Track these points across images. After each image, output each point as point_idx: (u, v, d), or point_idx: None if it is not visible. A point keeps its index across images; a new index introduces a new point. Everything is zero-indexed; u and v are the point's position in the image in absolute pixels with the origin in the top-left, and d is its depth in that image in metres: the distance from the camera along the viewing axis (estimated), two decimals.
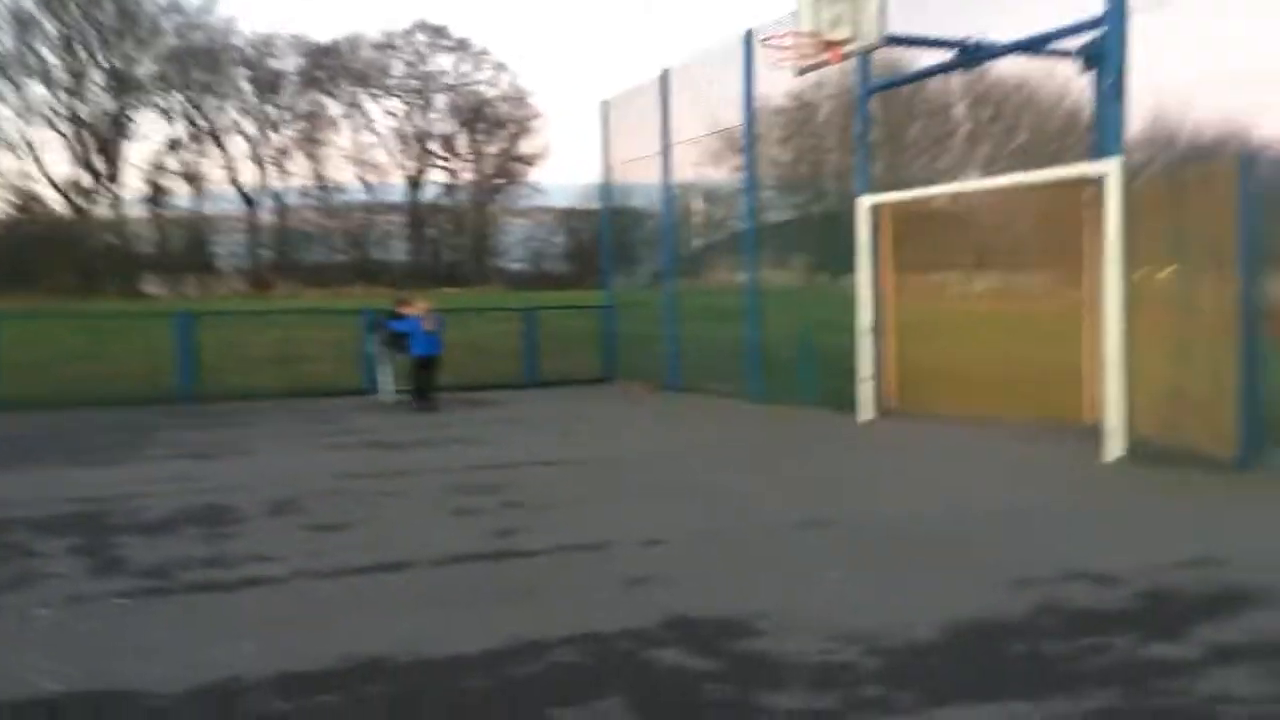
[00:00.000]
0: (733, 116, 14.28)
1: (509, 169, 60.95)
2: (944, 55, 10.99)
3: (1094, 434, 9.31)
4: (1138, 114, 9.43)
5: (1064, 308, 11.04)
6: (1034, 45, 10.49)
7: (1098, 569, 5.52)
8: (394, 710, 3.86)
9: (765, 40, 11.53)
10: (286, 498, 7.83)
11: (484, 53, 56.82)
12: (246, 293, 45.36)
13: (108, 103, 52.96)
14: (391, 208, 57.47)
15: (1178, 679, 4.01)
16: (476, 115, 58.81)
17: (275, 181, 58.41)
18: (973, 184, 13.20)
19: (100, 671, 4.25)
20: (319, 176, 57.66)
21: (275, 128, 57.52)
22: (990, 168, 26.72)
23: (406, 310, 14.28)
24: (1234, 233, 8.03)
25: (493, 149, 60.40)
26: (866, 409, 11.85)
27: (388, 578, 5.67)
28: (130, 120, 54.52)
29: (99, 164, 53.66)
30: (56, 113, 50.00)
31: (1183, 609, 4.88)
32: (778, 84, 13.25)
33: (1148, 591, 5.14)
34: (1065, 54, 10.36)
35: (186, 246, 51.58)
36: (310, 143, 57.51)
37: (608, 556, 6.06)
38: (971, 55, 10.71)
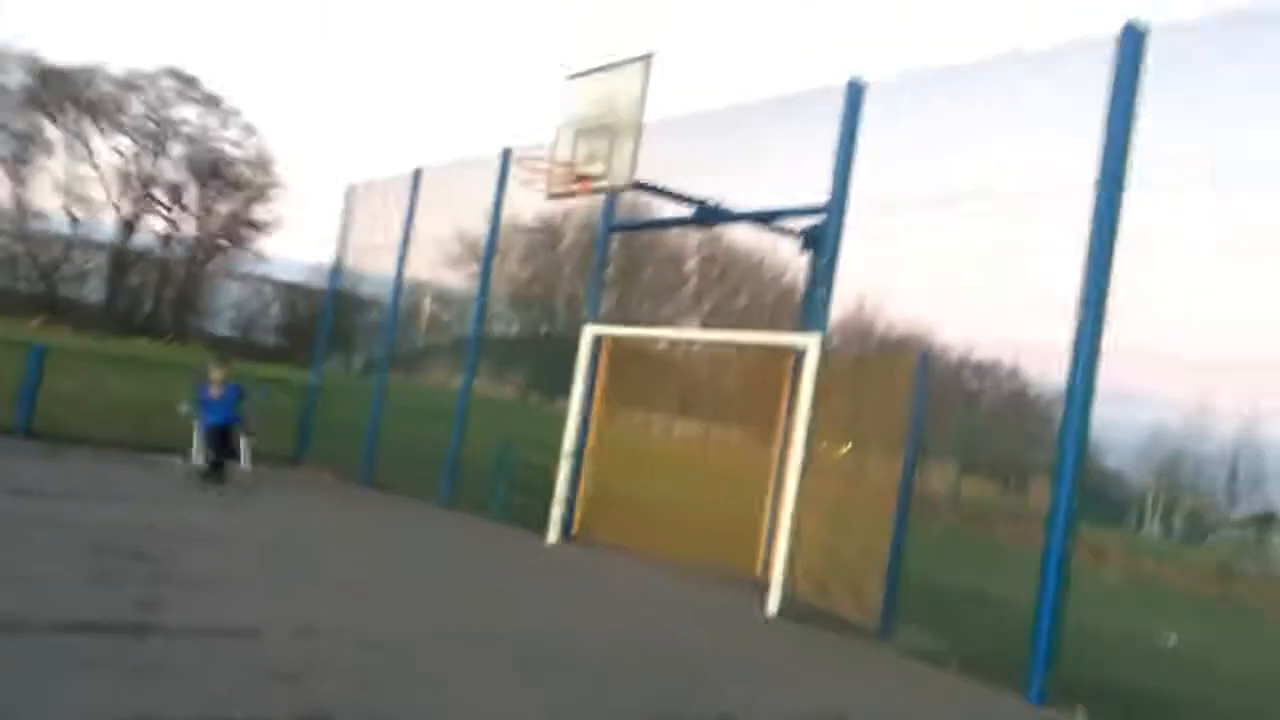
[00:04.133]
0: (478, 225, 14.46)
1: (237, 232, 58.33)
2: (684, 210, 11.69)
3: (760, 588, 9.83)
4: (841, 300, 10.36)
5: (753, 464, 11.68)
6: (764, 218, 11.35)
7: (728, 711, 5.77)
8: None
9: (521, 160, 11.86)
10: None
11: (235, 112, 54.61)
12: None
13: None
14: (96, 246, 53.23)
15: None
16: (213, 171, 56.18)
17: None
18: (690, 333, 13.97)
19: None
20: (19, 199, 52.73)
21: None
22: (709, 321, 28.42)
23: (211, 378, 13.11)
24: (904, 418, 8.91)
25: (224, 208, 57.69)
26: (554, 531, 11.95)
27: None
28: None
29: None
30: None
31: None
32: (528, 204, 13.60)
33: None
34: (790, 232, 11.28)
35: None
36: (19, 163, 52.72)
37: (257, 645, 5.69)
38: (708, 215, 11.45)
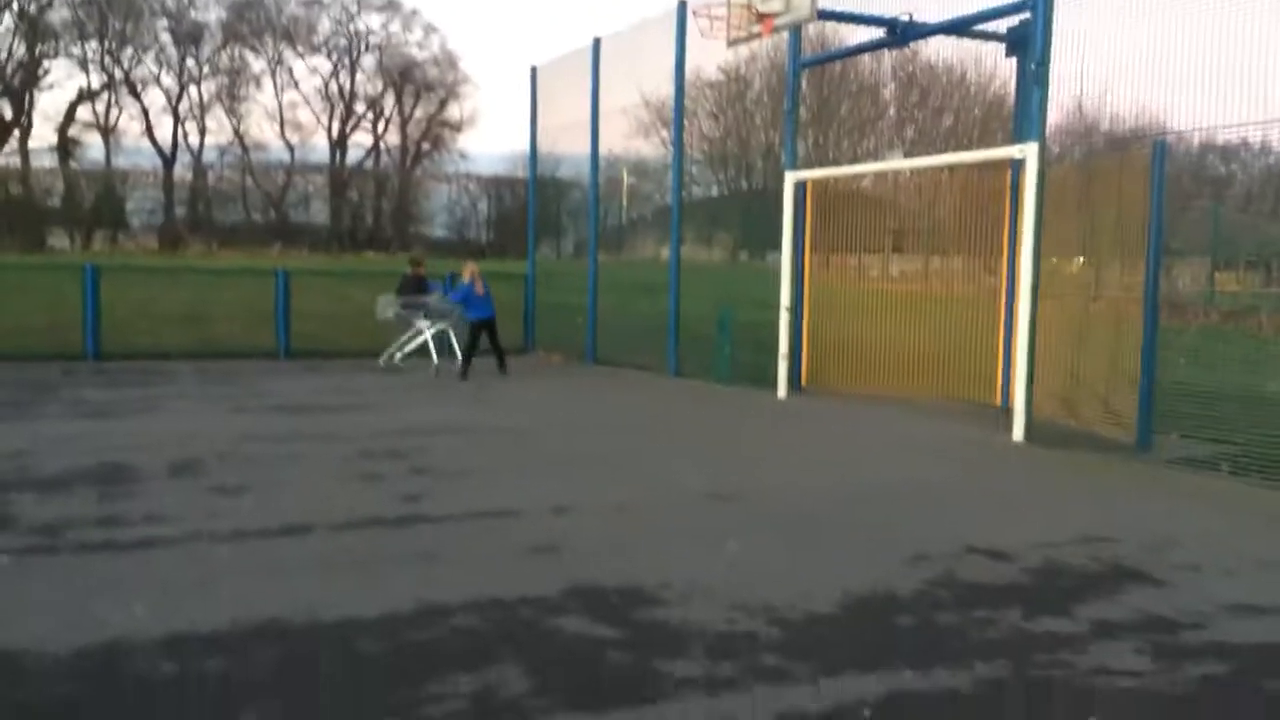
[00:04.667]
0: (664, 88, 14.21)
1: (436, 134, 60.12)
2: (875, 33, 11.06)
3: (1002, 416, 9.52)
4: (1058, 103, 9.58)
5: (981, 292, 11.25)
6: (963, 26, 10.60)
7: (993, 545, 5.64)
8: (284, 673, 3.78)
9: (698, 11, 11.48)
10: (188, 459, 7.62)
11: (414, 14, 55.85)
12: (158, 250, 44.03)
13: (18, 49, 50.93)
14: (313, 169, 56.30)
15: (1061, 652, 4.11)
16: (404, 77, 57.85)
17: (193, 138, 56.85)
18: (896, 163, 13.32)
19: None
20: (239, 134, 56.28)
21: (195, 82, 55.94)
22: (915, 149, 27.10)
23: (420, 271, 14.28)
24: (1145, 222, 8.24)
25: (420, 113, 59.48)
26: (783, 386, 11.95)
27: (287, 541, 5.55)
28: (42, 69, 52.54)
29: (6, 113, 51.65)
30: None
31: (1072, 585, 5.01)
32: (711, 56, 13.22)
33: (1039, 568, 5.27)
34: (993, 37, 10.50)
35: (97, 201, 49.89)
36: (231, 99, 56.06)
37: (515, 524, 6.02)
38: (901, 33, 10.78)
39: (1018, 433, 9.06)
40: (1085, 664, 4.00)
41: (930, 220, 12.61)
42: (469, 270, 13.81)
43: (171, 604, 4.45)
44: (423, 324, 13.86)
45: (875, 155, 26.33)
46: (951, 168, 11.89)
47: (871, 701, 3.62)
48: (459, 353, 13.55)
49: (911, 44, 11.53)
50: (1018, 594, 4.85)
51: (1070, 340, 9.10)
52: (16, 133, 51.67)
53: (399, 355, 14.10)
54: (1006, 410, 9.54)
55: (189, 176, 54.01)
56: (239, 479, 7.01)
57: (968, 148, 20.79)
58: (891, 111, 32.45)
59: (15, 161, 50.50)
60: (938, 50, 16.32)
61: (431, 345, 13.68)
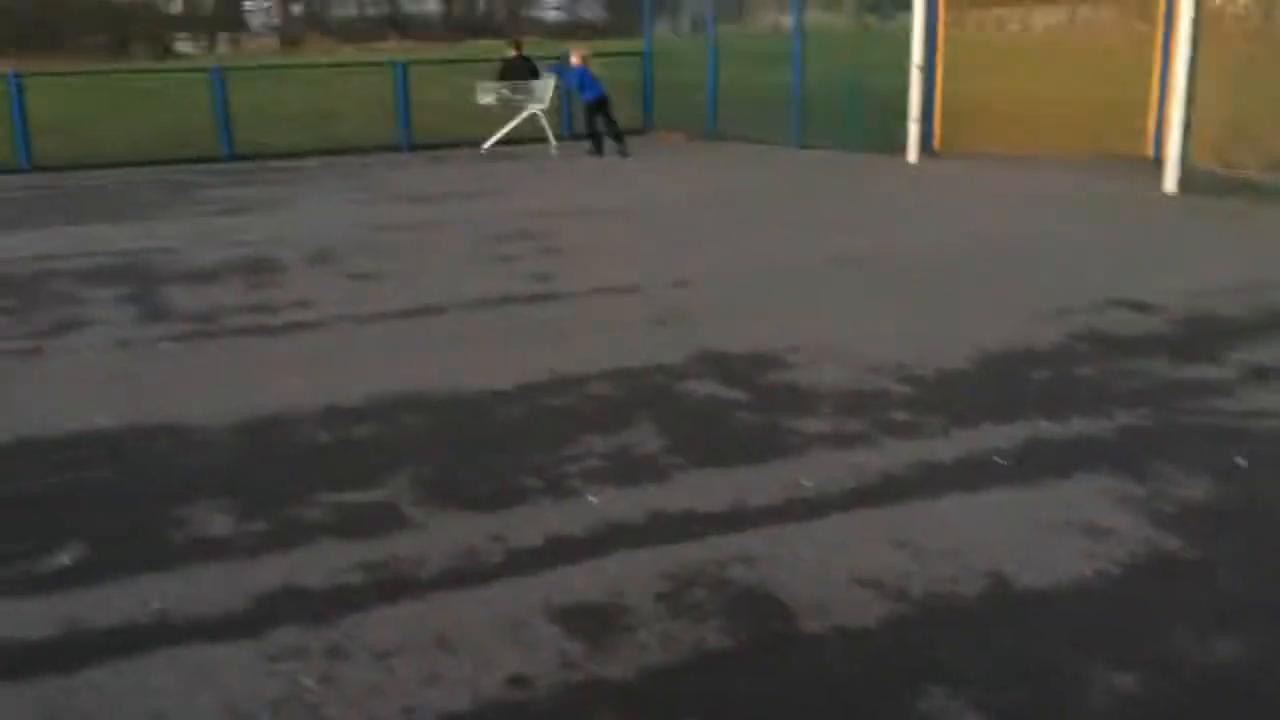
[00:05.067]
0: None
1: None
2: None
3: (1153, 168, 8.97)
4: None
5: (1131, 41, 10.44)
6: None
7: (1139, 297, 5.43)
8: (431, 437, 3.97)
9: None
10: (325, 249, 7.86)
11: None
12: (279, 50, 44.26)
13: None
14: None
15: (1209, 398, 3.98)
16: None
17: None
18: None
19: (150, 408, 4.40)
20: None
21: None
22: None
23: (520, 54, 14.24)
24: None
25: None
26: (914, 149, 11.48)
27: (425, 320, 5.74)
28: None
29: None
30: None
31: (1222, 332, 4.81)
32: None
33: (1188, 317, 5.06)
34: None
35: (216, 5, 50.09)
36: None
37: (641, 298, 6.07)
38: None
39: (1170, 183, 8.54)
40: (1234, 408, 3.87)
41: None
42: (578, 54, 13.58)
43: (321, 380, 4.69)
44: (535, 106, 13.78)
45: None
46: None
47: (1006, 450, 3.60)
48: (551, 136, 13.66)
49: None
50: (1163, 343, 4.68)
51: (1230, 86, 8.40)
52: None
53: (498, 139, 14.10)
54: (1158, 162, 8.97)
55: None
56: (375, 266, 7.22)
57: None
58: None
59: None
60: None
61: (547, 126, 13.61)
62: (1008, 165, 10.53)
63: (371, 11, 52.69)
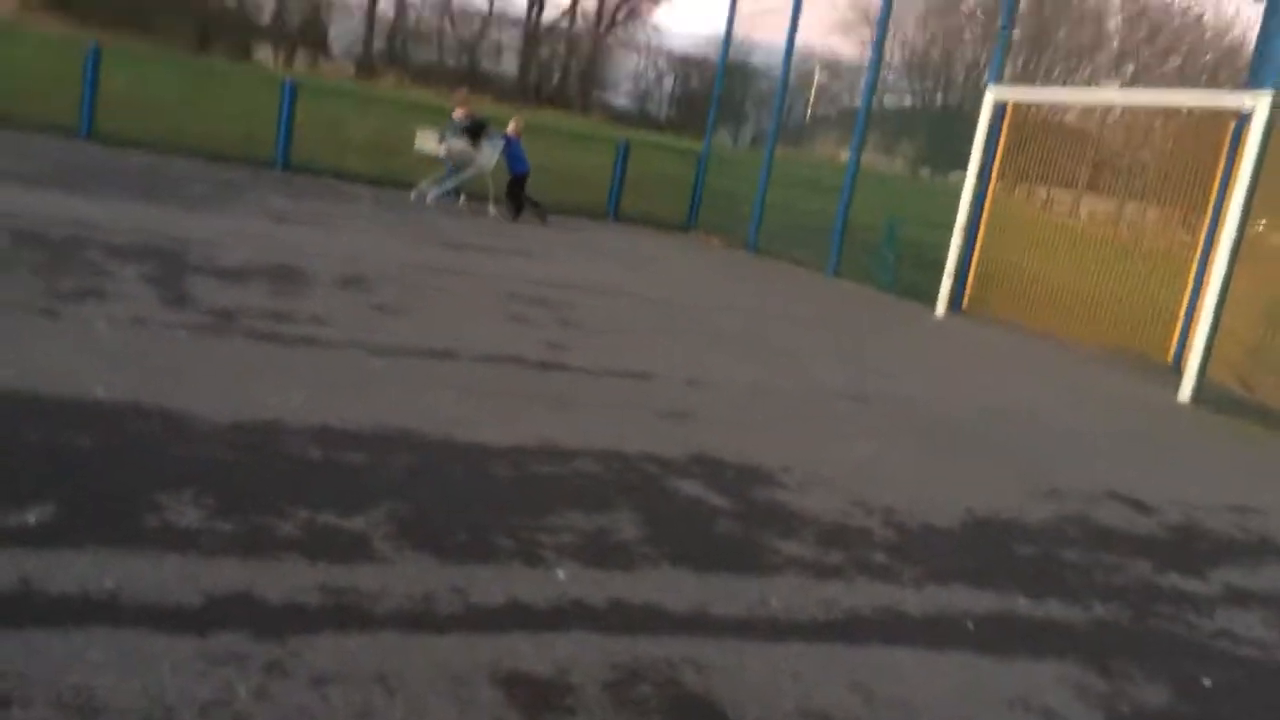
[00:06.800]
0: None
1: (633, 4, 59.27)
2: None
3: (1170, 375, 9.06)
4: None
5: (1174, 245, 10.62)
6: None
7: (1137, 495, 5.43)
8: (416, 478, 3.98)
9: None
10: (355, 274, 7.96)
11: None
12: (354, 77, 45.26)
13: None
14: (510, 22, 56.48)
15: (1187, 611, 3.97)
16: None
17: None
18: (1110, 94, 12.51)
19: (150, 389, 4.42)
20: None
21: None
22: (1131, 87, 25.34)
23: (460, 114, 14.52)
24: None
25: None
26: (943, 304, 11.62)
27: (434, 363, 5.78)
28: None
29: None
30: None
31: (1210, 548, 4.80)
32: None
33: (1180, 525, 5.06)
34: None
35: (303, 22, 51.38)
36: None
37: (649, 387, 6.11)
38: None
39: (1185, 393, 8.61)
40: (1209, 626, 3.85)
41: (1133, 163, 11.87)
42: (515, 125, 14.39)
43: (323, 399, 4.72)
44: (474, 171, 14.31)
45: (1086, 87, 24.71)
46: (1167, 112, 11.11)
47: (977, 615, 3.58)
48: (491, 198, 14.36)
49: None
50: (1152, 545, 4.68)
51: (1260, 311, 8.54)
52: None
53: (433, 194, 14.41)
54: (1177, 370, 9.07)
55: (390, 14, 54.96)
56: (398, 300, 7.30)
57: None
58: (1114, 44, 30.33)
59: None
60: None
61: (491, 187, 14.32)
62: (1030, 340, 10.65)
63: (451, 62, 53.98)
